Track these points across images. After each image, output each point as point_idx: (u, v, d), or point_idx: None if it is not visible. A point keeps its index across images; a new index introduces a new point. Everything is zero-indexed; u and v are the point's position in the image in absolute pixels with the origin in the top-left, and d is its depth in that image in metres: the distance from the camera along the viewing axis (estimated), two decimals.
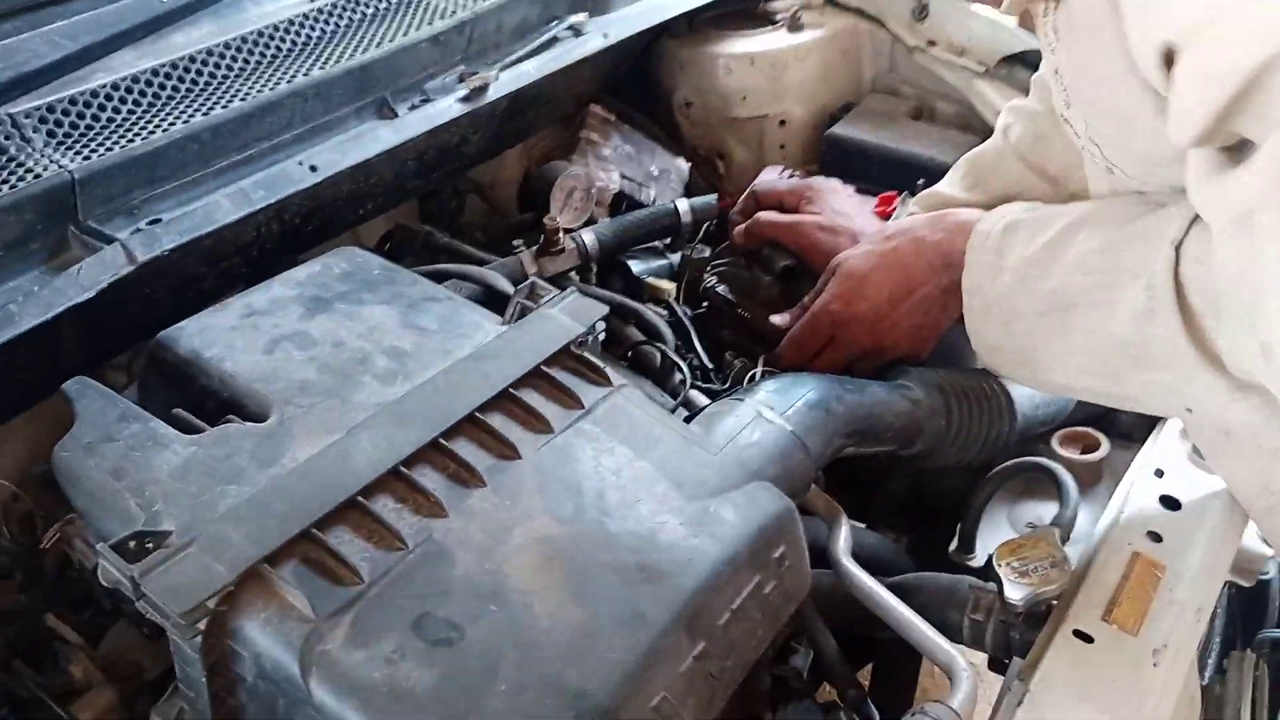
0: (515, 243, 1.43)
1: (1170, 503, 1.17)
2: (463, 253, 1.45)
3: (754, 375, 1.33)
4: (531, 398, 1.00)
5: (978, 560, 1.25)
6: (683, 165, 1.79)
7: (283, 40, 1.33)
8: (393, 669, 0.78)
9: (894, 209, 1.45)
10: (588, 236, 1.46)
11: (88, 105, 1.16)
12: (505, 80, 1.44)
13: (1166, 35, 0.80)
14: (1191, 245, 0.94)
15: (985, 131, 1.69)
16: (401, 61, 1.39)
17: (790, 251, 1.44)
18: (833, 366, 1.32)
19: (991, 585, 1.08)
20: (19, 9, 1.25)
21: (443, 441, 0.93)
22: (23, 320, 0.99)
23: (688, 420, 1.13)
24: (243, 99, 1.24)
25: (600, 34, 1.57)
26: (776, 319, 1.39)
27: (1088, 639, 1.02)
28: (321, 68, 1.31)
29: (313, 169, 1.24)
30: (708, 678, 0.87)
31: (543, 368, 1.02)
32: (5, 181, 1.07)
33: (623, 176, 1.68)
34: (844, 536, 1.13)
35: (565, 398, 1.01)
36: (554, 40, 1.54)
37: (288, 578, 0.81)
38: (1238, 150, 0.81)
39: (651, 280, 1.47)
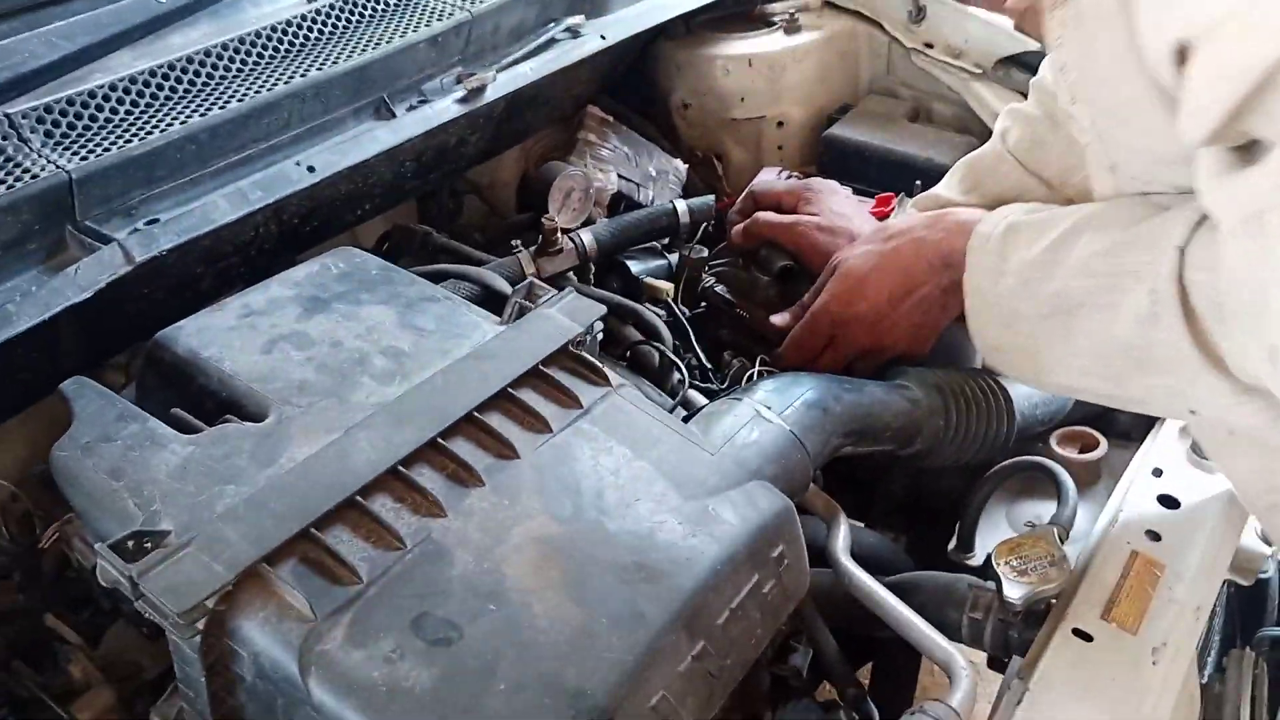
0: (513, 243, 1.42)
1: (1169, 502, 1.17)
2: (461, 253, 1.45)
3: (752, 375, 1.33)
4: (530, 397, 0.99)
5: (977, 559, 1.25)
6: (680, 166, 1.79)
7: (280, 41, 1.33)
8: (391, 668, 0.78)
9: (891, 210, 1.46)
10: (586, 237, 1.46)
11: (85, 106, 1.15)
12: (503, 81, 1.44)
13: (1180, 31, 0.79)
14: (1196, 249, 0.93)
15: (982, 133, 1.70)
16: (399, 63, 1.39)
17: (788, 252, 1.45)
18: (834, 367, 1.32)
19: (990, 584, 1.08)
20: (17, 9, 1.25)
21: (441, 441, 0.93)
22: (20, 320, 0.99)
23: (686, 420, 1.12)
24: (240, 100, 1.23)
25: (598, 35, 1.57)
26: (776, 319, 1.39)
27: (1087, 637, 1.02)
28: (319, 69, 1.31)
29: (310, 170, 1.24)
30: (706, 677, 0.87)
31: (541, 367, 1.02)
32: (3, 182, 1.07)
33: (620, 177, 1.68)
34: (843, 535, 1.13)
35: (563, 397, 1.01)
36: (552, 42, 1.54)
37: (286, 577, 0.81)
38: (1248, 150, 0.81)
39: (650, 280, 1.47)
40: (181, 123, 1.18)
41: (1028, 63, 1.70)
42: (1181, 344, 0.94)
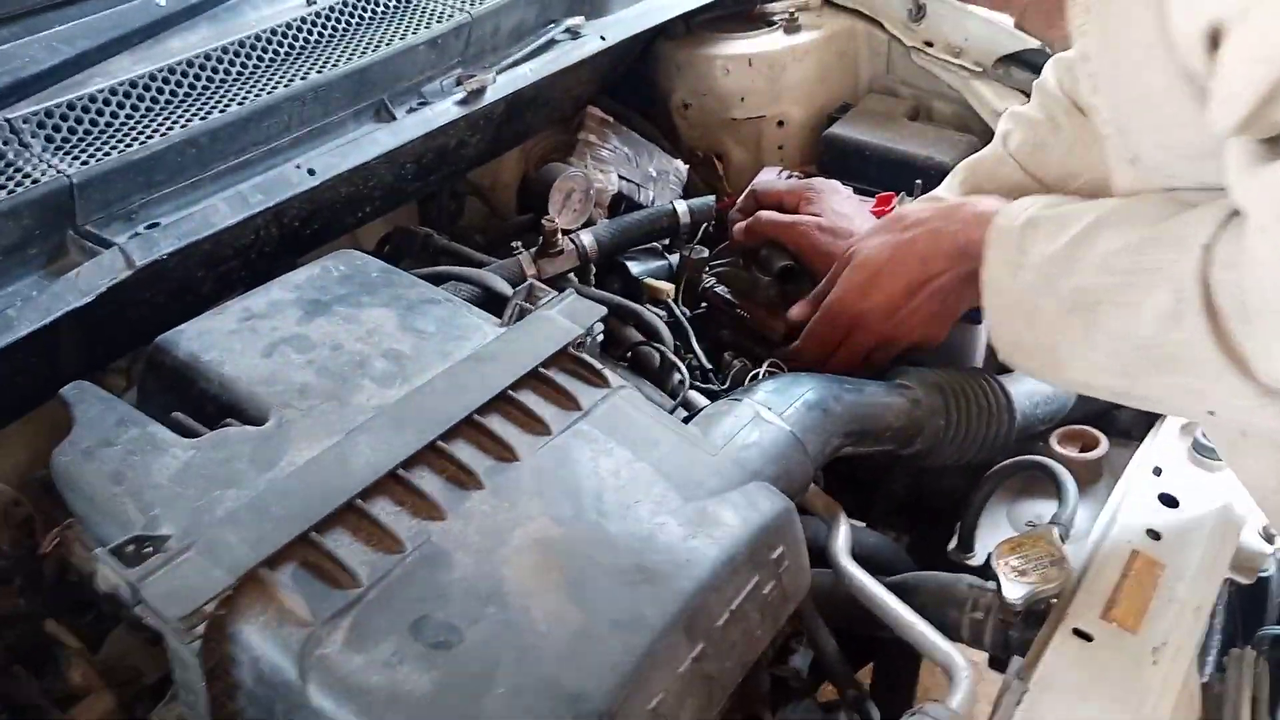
0: (514, 244, 1.43)
1: (1169, 501, 1.17)
2: (461, 255, 1.46)
3: (757, 374, 1.33)
4: (530, 399, 1.00)
5: (977, 559, 1.25)
6: (681, 166, 1.79)
7: (280, 44, 1.33)
8: (391, 672, 0.78)
9: (891, 209, 1.45)
10: (586, 238, 1.47)
11: (86, 110, 1.16)
12: (503, 83, 1.44)
13: (1214, 13, 0.77)
14: (1223, 247, 0.90)
15: (982, 131, 1.70)
16: (399, 65, 1.39)
17: (788, 252, 1.44)
18: (851, 359, 1.32)
19: (991, 584, 1.08)
20: (17, 14, 1.25)
21: (441, 444, 0.93)
22: (21, 325, 0.99)
23: (686, 421, 1.13)
24: (240, 103, 1.24)
25: (597, 36, 1.57)
26: (793, 311, 1.39)
27: (1087, 637, 1.02)
28: (319, 71, 1.31)
29: (311, 172, 1.24)
30: (706, 679, 0.87)
31: (541, 369, 1.02)
32: (3, 187, 1.07)
33: (621, 178, 1.68)
34: (843, 536, 1.13)
35: (563, 399, 1.01)
36: (551, 43, 1.54)
37: (286, 581, 0.81)
38: (1279, 143, 0.79)
39: (650, 281, 1.47)
40: (181, 126, 1.19)
41: (1028, 61, 1.70)
42: (1204, 344, 0.92)
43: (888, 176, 1.64)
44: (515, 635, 0.82)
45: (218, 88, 1.26)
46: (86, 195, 1.10)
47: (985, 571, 1.12)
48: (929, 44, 1.81)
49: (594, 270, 1.49)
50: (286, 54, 1.33)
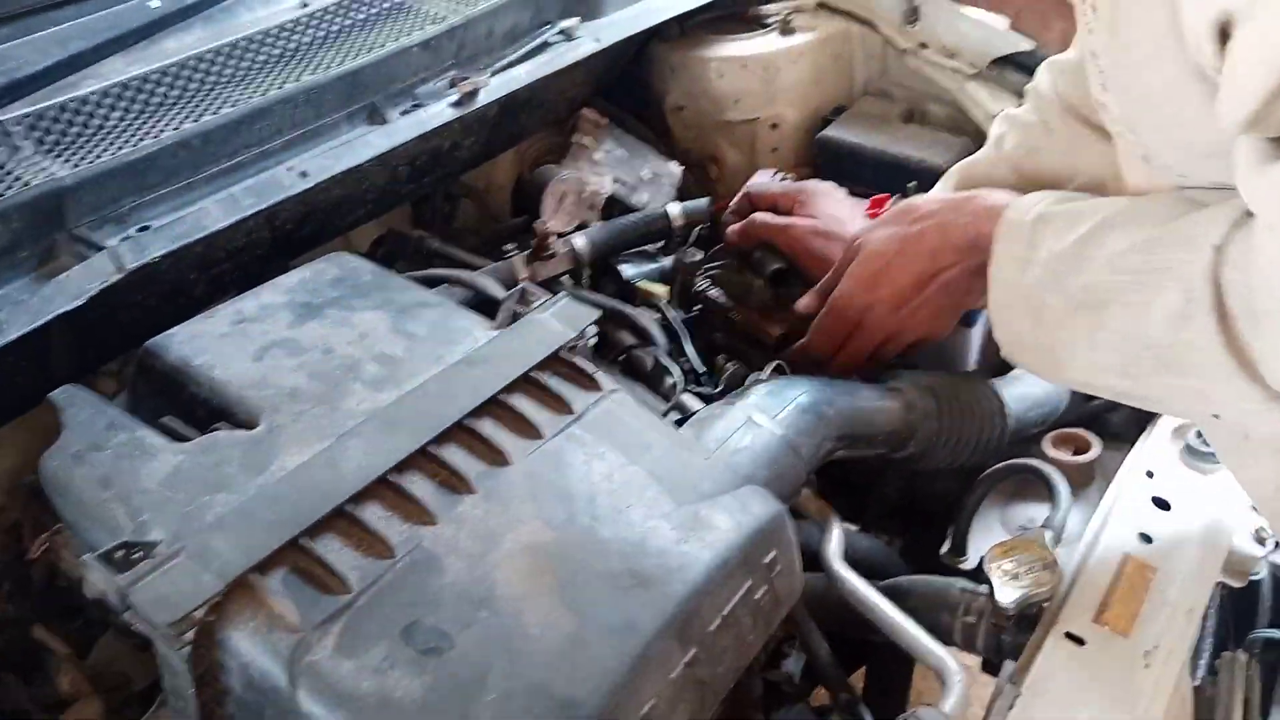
0: (507, 247, 1.42)
1: (1161, 504, 1.17)
2: (455, 257, 1.45)
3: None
4: (522, 403, 0.99)
5: (970, 562, 1.25)
6: (675, 169, 1.79)
7: (273, 46, 1.33)
8: (382, 678, 0.78)
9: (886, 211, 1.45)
10: (579, 240, 1.46)
11: (77, 112, 1.15)
12: (496, 85, 1.44)
13: (1223, 5, 0.76)
14: (1234, 248, 0.89)
15: (977, 134, 1.69)
16: (392, 67, 1.38)
17: (782, 255, 1.44)
18: (859, 353, 1.31)
19: (983, 588, 1.08)
20: (9, 16, 1.25)
21: (432, 448, 0.93)
22: (11, 329, 0.99)
23: (679, 424, 1.12)
24: (233, 105, 1.23)
25: (592, 38, 1.57)
26: (800, 303, 1.38)
27: (1079, 641, 1.02)
28: (312, 74, 1.31)
29: (303, 175, 1.23)
30: (699, 684, 0.87)
31: (533, 373, 1.02)
32: None
33: (615, 180, 1.68)
34: (836, 540, 1.13)
35: (556, 403, 1.01)
36: (545, 45, 1.54)
37: (276, 587, 0.81)
38: None
39: (644, 284, 1.47)
40: (174, 129, 1.18)
41: (1022, 63, 1.70)
42: (1212, 346, 0.91)
43: (882, 179, 1.63)
44: (507, 640, 0.81)
45: (210, 90, 1.26)
46: (78, 198, 1.10)
47: (978, 575, 1.12)
48: (923, 46, 1.80)
49: (587, 273, 1.48)
50: (279, 56, 1.33)
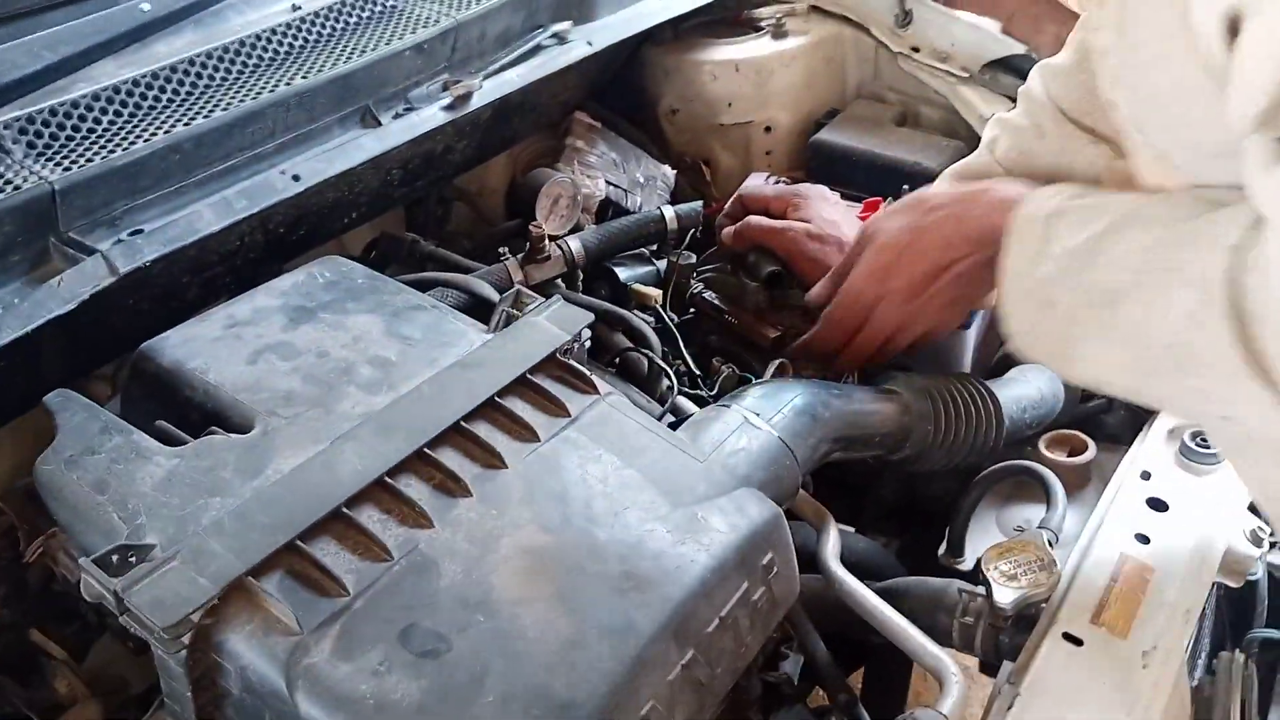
0: (501, 250, 1.42)
1: (1158, 505, 1.17)
2: (448, 261, 1.45)
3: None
4: (517, 406, 0.99)
5: (967, 564, 1.25)
6: (668, 172, 1.79)
7: (265, 49, 1.33)
8: (379, 681, 0.77)
9: None
10: (574, 243, 1.46)
11: (68, 116, 1.15)
12: (489, 88, 1.44)
13: (1232, 0, 0.75)
14: (1252, 250, 0.87)
15: (969, 137, 1.70)
16: (385, 70, 1.38)
17: (776, 257, 1.44)
18: (871, 343, 1.30)
19: (980, 589, 1.08)
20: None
21: (428, 451, 0.93)
22: (3, 333, 0.99)
23: (674, 427, 1.12)
24: (225, 108, 1.23)
25: (584, 42, 1.57)
26: (811, 293, 1.37)
27: (1077, 642, 1.02)
28: (304, 77, 1.30)
29: (296, 178, 1.23)
30: (696, 686, 0.87)
31: (528, 376, 1.01)
32: None
33: (608, 183, 1.68)
34: (832, 541, 1.13)
35: (551, 406, 1.01)
36: (538, 48, 1.54)
37: (272, 590, 0.80)
38: None
39: (638, 287, 1.47)
40: (165, 132, 1.18)
41: (1015, 66, 1.70)
42: (1225, 348, 0.89)
43: (875, 182, 1.64)
44: (504, 643, 0.81)
45: (202, 93, 1.25)
46: (69, 201, 1.09)
47: (975, 576, 1.12)
48: (916, 49, 1.81)
49: (581, 276, 1.48)
50: (271, 59, 1.33)
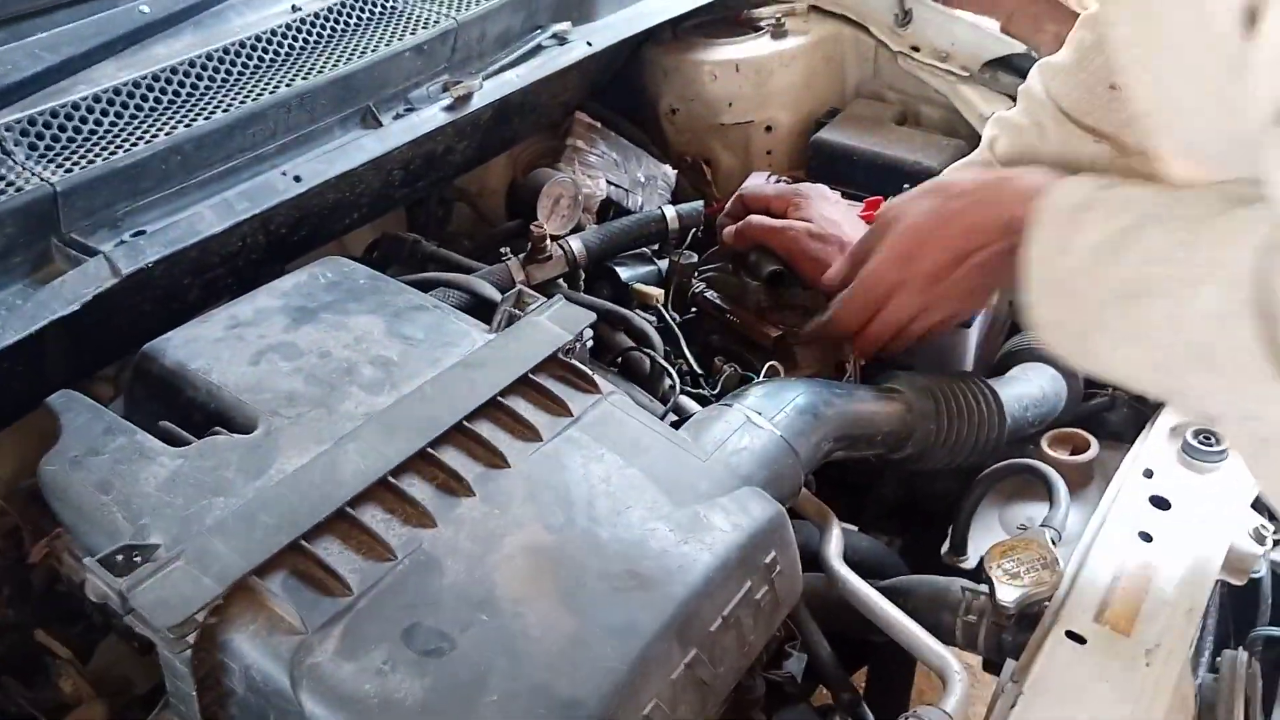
0: (502, 250, 1.42)
1: (1160, 503, 1.17)
2: (450, 261, 1.45)
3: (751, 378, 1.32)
4: (520, 406, 0.99)
5: (970, 562, 1.26)
6: (669, 171, 1.79)
7: (265, 51, 1.33)
8: (383, 680, 0.77)
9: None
10: (575, 243, 1.46)
11: (69, 117, 1.15)
12: (490, 89, 1.44)
13: None
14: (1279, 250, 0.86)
15: (970, 135, 1.70)
16: (385, 71, 1.38)
17: (777, 257, 1.44)
18: (886, 330, 1.28)
19: (984, 587, 1.08)
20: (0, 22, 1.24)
21: (431, 451, 0.93)
22: (6, 334, 0.99)
23: (676, 426, 1.12)
24: (226, 110, 1.23)
25: (584, 42, 1.57)
26: (829, 274, 1.36)
27: (1080, 640, 1.02)
28: (305, 78, 1.30)
29: (297, 179, 1.23)
30: (699, 684, 0.87)
31: (531, 375, 1.02)
32: None
33: (609, 183, 1.68)
34: (835, 540, 1.13)
35: (554, 405, 1.01)
36: (538, 48, 1.54)
37: (276, 590, 0.81)
38: None
39: (639, 286, 1.47)
40: (166, 134, 1.18)
41: (1015, 65, 1.71)
42: (1251, 348, 0.87)
43: (875, 181, 1.64)
44: (507, 642, 0.81)
45: (203, 94, 1.25)
46: (71, 203, 1.09)
47: (978, 575, 1.12)
48: (916, 49, 1.81)
49: (583, 276, 1.48)
50: (272, 60, 1.33)
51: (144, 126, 1.19)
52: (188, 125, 1.20)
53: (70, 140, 1.14)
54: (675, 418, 1.21)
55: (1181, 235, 0.95)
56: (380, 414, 0.96)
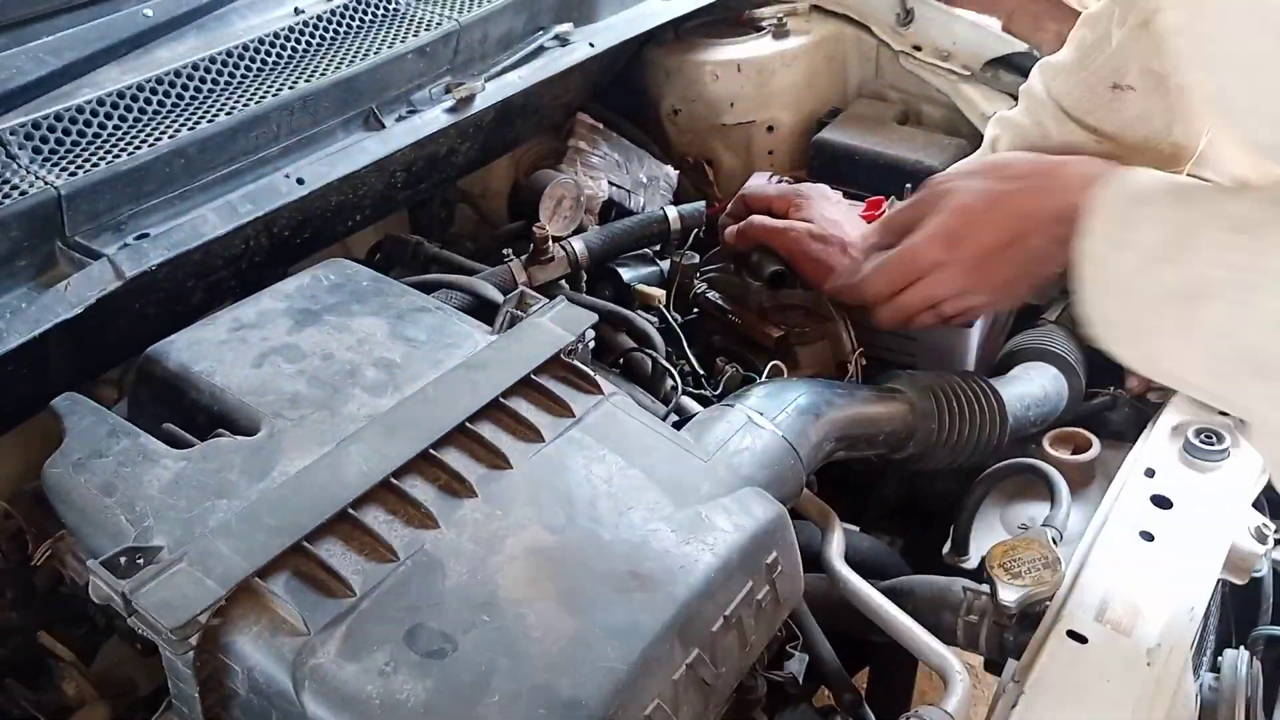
0: (505, 252, 1.42)
1: (1162, 502, 1.18)
2: (452, 263, 1.45)
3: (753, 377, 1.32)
4: (522, 407, 1.00)
5: (971, 562, 1.26)
6: (671, 172, 1.80)
7: (268, 54, 1.33)
8: (385, 681, 0.78)
9: (881, 213, 1.46)
10: (577, 244, 1.46)
11: (73, 121, 1.15)
12: (492, 90, 1.44)
13: None
14: None
15: (971, 134, 1.70)
16: (388, 73, 1.38)
17: (779, 257, 1.45)
18: (919, 303, 1.25)
19: (985, 587, 1.08)
20: (3, 26, 1.25)
21: (433, 452, 0.93)
22: (10, 337, 0.99)
23: (678, 427, 1.13)
24: (229, 113, 1.23)
25: (586, 43, 1.57)
26: (863, 233, 1.35)
27: (1082, 639, 1.02)
28: (308, 80, 1.31)
29: (300, 182, 1.23)
30: (701, 685, 0.87)
31: (533, 377, 1.02)
32: None
33: (611, 184, 1.68)
34: (837, 540, 1.13)
35: (555, 406, 1.01)
36: (540, 50, 1.54)
37: (279, 591, 0.81)
38: None
39: (641, 287, 1.47)
40: (170, 137, 1.18)
41: (1016, 64, 1.71)
42: None
43: (877, 181, 1.64)
44: (509, 643, 0.81)
45: (206, 98, 1.25)
46: (75, 206, 1.10)
47: (979, 575, 1.12)
48: (917, 48, 1.81)
49: (585, 277, 1.48)
50: (275, 63, 1.33)
51: (147, 129, 1.19)
52: (191, 128, 1.20)
53: (74, 144, 1.15)
54: (677, 418, 1.21)
55: (1241, 238, 0.92)
56: (383, 415, 0.96)
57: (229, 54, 1.29)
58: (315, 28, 1.39)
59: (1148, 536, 1.13)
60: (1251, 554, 1.16)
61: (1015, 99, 1.42)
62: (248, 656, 0.79)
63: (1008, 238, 1.17)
